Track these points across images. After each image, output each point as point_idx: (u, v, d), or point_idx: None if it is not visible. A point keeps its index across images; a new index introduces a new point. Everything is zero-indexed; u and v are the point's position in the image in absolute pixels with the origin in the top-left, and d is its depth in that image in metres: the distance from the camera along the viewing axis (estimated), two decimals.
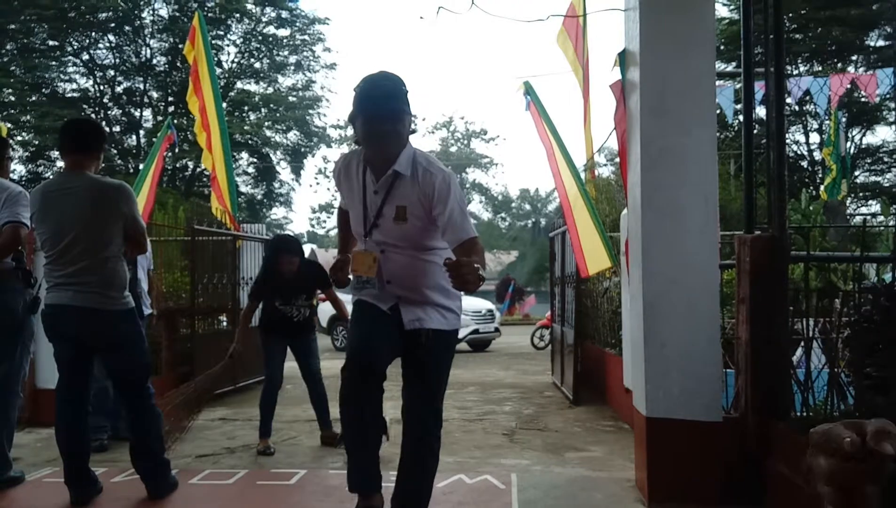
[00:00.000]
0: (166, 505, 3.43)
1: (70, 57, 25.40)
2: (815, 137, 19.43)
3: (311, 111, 27.86)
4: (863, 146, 20.20)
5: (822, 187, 9.96)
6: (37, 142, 23.93)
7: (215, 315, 7.70)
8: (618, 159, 3.83)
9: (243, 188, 27.21)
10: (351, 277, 2.72)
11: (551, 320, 8.77)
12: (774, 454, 3.08)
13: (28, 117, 24.12)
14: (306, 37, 28.06)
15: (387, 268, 2.60)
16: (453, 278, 2.29)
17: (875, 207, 19.22)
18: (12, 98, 23.93)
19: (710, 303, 3.31)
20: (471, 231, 2.55)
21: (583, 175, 6.28)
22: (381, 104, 2.42)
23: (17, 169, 24.01)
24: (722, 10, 18.49)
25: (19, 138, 23.91)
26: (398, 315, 2.62)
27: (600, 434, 5.05)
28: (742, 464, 3.20)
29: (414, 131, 2.55)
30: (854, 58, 19.01)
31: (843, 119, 12.43)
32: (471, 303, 13.78)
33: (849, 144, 17.67)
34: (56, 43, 24.85)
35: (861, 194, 20.33)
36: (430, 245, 2.63)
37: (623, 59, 3.67)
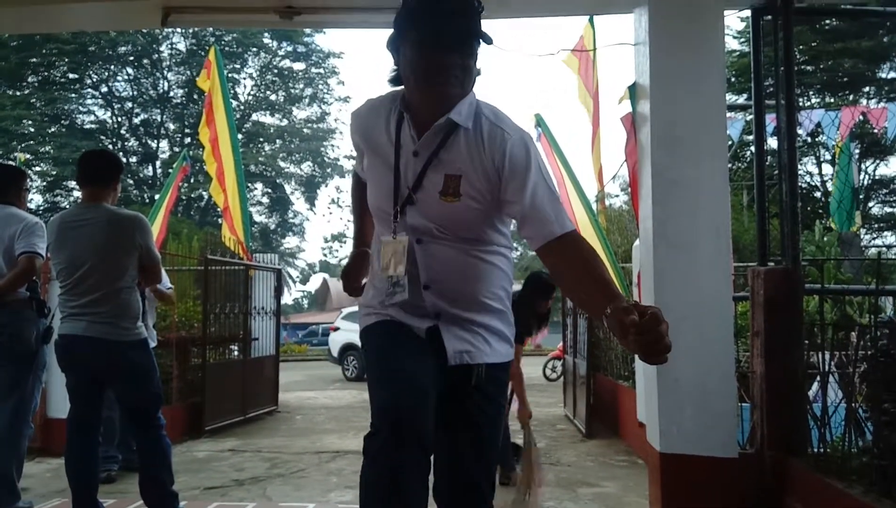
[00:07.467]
0: None
1: (89, 89, 26.02)
2: (827, 169, 19.42)
3: (324, 143, 28.23)
4: (877, 177, 20.15)
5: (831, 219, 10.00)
6: (55, 172, 24.40)
7: (227, 345, 7.72)
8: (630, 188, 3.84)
9: (257, 218, 27.55)
10: (372, 283, 1.87)
11: (563, 351, 8.71)
12: (791, 491, 3.01)
13: (47, 148, 24.63)
14: (321, 70, 28.59)
15: (425, 265, 1.74)
16: (644, 347, 1.29)
17: (890, 238, 19.10)
18: (32, 129, 24.46)
19: (723, 336, 3.27)
20: (567, 223, 1.68)
21: (594, 206, 6.29)
22: (448, 22, 1.57)
23: (35, 199, 24.46)
24: (732, 43, 18.67)
25: (38, 169, 24.40)
26: (437, 343, 1.76)
27: (614, 469, 4.97)
28: (758, 501, 3.13)
29: (479, 73, 1.70)
30: (866, 90, 19.06)
31: (856, 151, 12.41)
32: None
33: (862, 175, 17.64)
34: (76, 76, 25.47)
35: (876, 226, 20.21)
36: (489, 238, 1.79)
37: (633, 91, 3.69)
